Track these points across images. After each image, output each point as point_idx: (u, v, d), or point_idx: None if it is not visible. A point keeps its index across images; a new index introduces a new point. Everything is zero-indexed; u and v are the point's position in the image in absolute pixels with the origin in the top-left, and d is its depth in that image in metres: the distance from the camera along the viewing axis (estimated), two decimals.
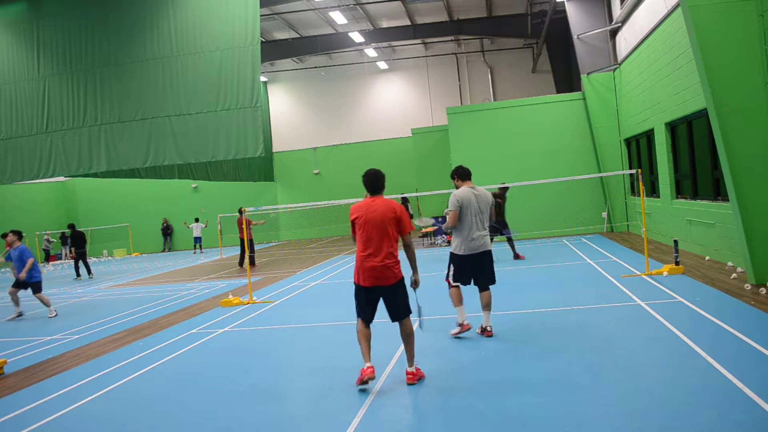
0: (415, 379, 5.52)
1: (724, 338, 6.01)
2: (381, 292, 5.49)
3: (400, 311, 5.54)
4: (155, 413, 5.48)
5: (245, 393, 5.77)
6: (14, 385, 6.82)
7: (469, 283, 6.95)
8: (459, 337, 7.04)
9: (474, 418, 4.60)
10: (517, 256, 13.74)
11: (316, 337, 7.94)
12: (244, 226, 14.11)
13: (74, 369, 7.31)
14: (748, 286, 8.24)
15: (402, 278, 5.52)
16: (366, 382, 5.41)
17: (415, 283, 5.60)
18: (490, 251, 6.88)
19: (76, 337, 9.34)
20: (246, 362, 6.93)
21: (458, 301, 6.94)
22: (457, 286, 6.95)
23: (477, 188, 6.80)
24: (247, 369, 6.61)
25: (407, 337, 5.57)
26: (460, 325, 7.00)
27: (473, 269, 6.85)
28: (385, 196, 5.63)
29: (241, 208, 16.95)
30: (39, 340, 9.34)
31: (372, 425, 4.67)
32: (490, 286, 6.99)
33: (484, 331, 7.01)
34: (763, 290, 7.86)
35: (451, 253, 6.91)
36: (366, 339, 5.51)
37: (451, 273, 6.93)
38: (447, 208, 6.89)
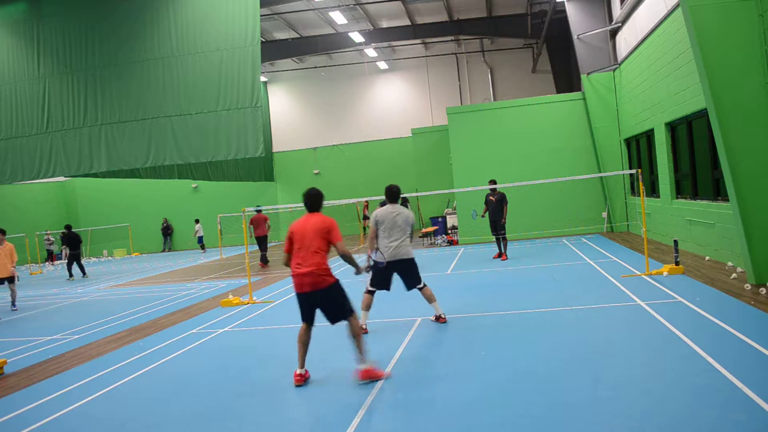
0: (366, 377, 5.65)
1: (724, 338, 6.01)
2: (317, 297, 5.77)
3: (337, 313, 5.85)
4: (155, 413, 5.48)
5: (245, 393, 5.77)
6: (14, 385, 6.82)
7: (387, 289, 7.73)
8: (460, 336, 7.05)
9: (474, 419, 4.60)
10: (501, 255, 14.02)
11: (315, 337, 7.91)
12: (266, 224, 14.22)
13: (74, 369, 7.31)
14: (748, 286, 8.24)
15: (335, 282, 5.83)
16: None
17: (358, 271, 6.19)
18: (411, 259, 7.70)
19: (76, 337, 9.34)
20: (246, 362, 6.93)
21: (367, 306, 7.71)
22: (371, 293, 7.71)
23: (397, 208, 7.70)
24: (246, 369, 6.61)
25: (355, 336, 5.80)
26: (361, 328, 7.57)
27: (398, 275, 7.70)
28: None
29: (259, 207, 17.32)
30: (39, 340, 9.34)
31: (372, 426, 4.67)
32: (427, 284, 7.89)
33: (439, 319, 7.90)
34: (763, 290, 7.86)
35: (374, 261, 7.60)
36: (304, 344, 5.90)
37: (369, 279, 7.72)
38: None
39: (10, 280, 12.74)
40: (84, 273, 19.53)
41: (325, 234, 5.80)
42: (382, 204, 13.27)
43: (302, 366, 5.87)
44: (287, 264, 5.92)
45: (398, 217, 7.61)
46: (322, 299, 5.78)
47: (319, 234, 5.78)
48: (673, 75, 12.20)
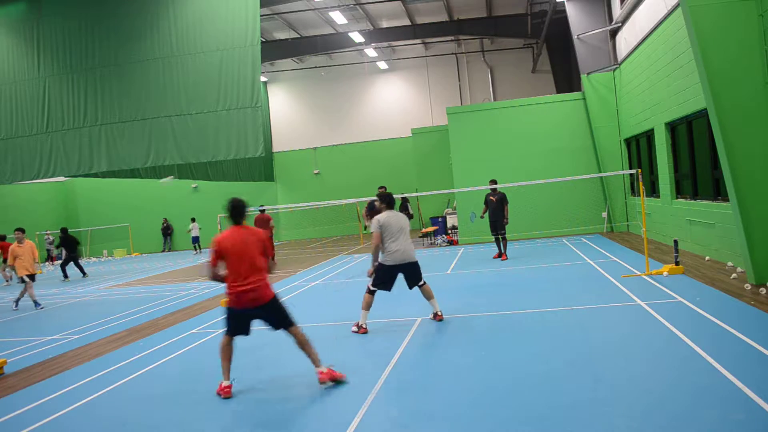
0: (328, 377, 5.65)
1: (724, 338, 6.01)
2: (258, 312, 5.74)
3: (283, 321, 5.83)
4: (155, 413, 5.48)
5: (244, 393, 5.77)
6: (14, 385, 6.82)
7: (389, 290, 7.84)
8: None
9: (474, 419, 4.60)
10: (501, 255, 14.00)
11: (315, 338, 7.91)
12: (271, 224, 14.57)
13: (74, 369, 7.31)
14: (748, 286, 8.24)
15: (275, 295, 5.80)
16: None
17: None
18: (415, 262, 7.86)
19: (76, 337, 9.34)
20: (245, 362, 6.92)
21: (367, 306, 7.79)
22: (373, 293, 7.77)
23: (395, 212, 7.88)
24: (246, 369, 6.61)
25: (303, 345, 5.80)
26: (359, 326, 7.79)
27: (403, 276, 7.85)
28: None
29: (262, 207, 17.36)
30: (39, 340, 9.34)
31: (372, 425, 4.67)
32: (426, 281, 8.02)
33: (436, 316, 8.03)
34: (763, 290, 7.86)
35: (379, 263, 7.75)
36: (228, 357, 5.81)
37: (371, 280, 7.81)
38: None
39: (32, 277, 12.81)
40: (84, 273, 19.53)
41: (261, 248, 5.72)
42: (370, 207, 13.54)
43: (228, 377, 5.78)
44: (216, 278, 5.68)
45: (402, 221, 7.79)
46: (263, 313, 5.76)
47: (259, 248, 5.70)
48: (673, 75, 12.20)
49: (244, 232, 5.72)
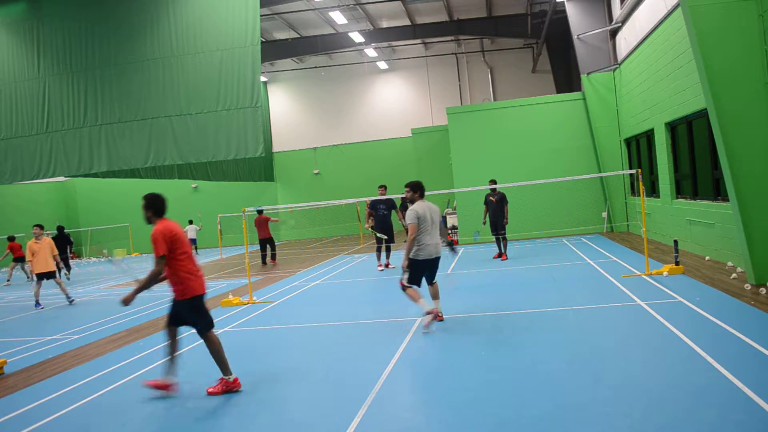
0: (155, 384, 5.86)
1: (724, 338, 6.01)
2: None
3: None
4: (155, 413, 5.48)
5: (244, 393, 5.77)
6: (14, 385, 6.82)
7: (420, 285, 7.68)
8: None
9: (474, 419, 4.60)
10: (501, 255, 14.03)
11: (315, 338, 7.94)
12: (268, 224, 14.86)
13: (74, 369, 7.31)
14: (748, 286, 8.24)
15: None
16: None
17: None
18: (440, 257, 7.77)
19: (76, 337, 9.34)
20: (245, 362, 6.93)
21: (418, 296, 7.56)
22: (411, 287, 7.61)
23: (428, 203, 7.72)
24: (246, 369, 6.61)
25: (176, 350, 6.00)
26: (429, 313, 7.44)
27: (427, 272, 7.73)
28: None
29: (260, 208, 17.76)
30: (39, 340, 9.34)
31: (372, 426, 4.67)
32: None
33: (437, 316, 7.78)
34: (763, 290, 7.86)
35: (410, 259, 7.54)
36: (222, 349, 5.80)
37: (405, 277, 7.62)
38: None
39: (52, 275, 12.80)
40: (68, 272, 19.43)
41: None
42: (372, 205, 13.43)
43: (230, 369, 5.81)
44: (160, 274, 5.53)
45: (435, 213, 7.66)
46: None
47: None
48: (673, 75, 12.21)
49: (174, 222, 5.84)
